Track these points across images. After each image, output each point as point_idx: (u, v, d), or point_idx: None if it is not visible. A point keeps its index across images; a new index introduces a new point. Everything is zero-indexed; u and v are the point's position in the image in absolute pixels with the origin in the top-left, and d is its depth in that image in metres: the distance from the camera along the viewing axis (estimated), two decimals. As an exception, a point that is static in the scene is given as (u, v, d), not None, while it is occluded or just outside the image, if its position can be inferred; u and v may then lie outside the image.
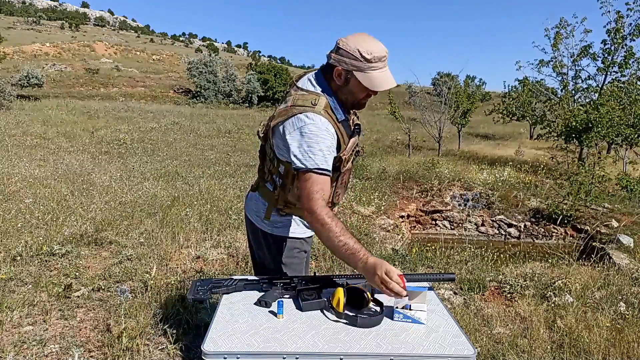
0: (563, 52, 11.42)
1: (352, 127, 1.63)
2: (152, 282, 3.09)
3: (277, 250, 1.76)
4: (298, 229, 1.75)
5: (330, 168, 1.48)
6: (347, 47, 1.47)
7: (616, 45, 10.51)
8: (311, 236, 1.84)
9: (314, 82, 1.56)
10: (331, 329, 1.33)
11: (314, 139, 1.44)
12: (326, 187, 1.47)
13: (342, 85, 1.53)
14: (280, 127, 1.52)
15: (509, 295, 3.62)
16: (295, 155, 1.45)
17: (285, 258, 1.76)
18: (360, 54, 1.45)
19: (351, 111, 1.64)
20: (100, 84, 34.88)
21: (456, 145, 15.62)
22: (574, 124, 9.71)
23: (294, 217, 1.74)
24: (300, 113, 1.47)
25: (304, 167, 1.44)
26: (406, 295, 1.33)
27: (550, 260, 4.74)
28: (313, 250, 4.22)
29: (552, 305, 3.39)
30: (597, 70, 10.98)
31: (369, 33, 1.53)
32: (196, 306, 2.77)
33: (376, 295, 1.50)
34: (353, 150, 1.65)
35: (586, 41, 11.18)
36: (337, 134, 1.52)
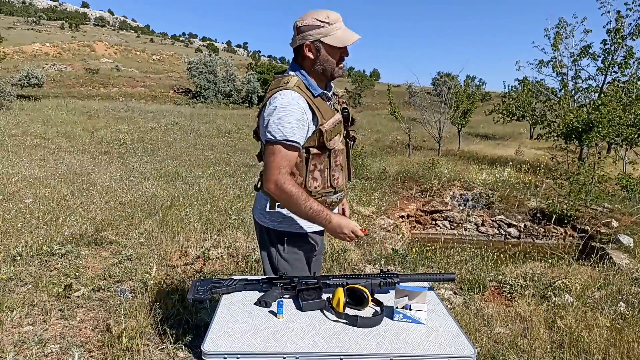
0: (563, 52, 11.42)
1: (340, 107, 1.74)
2: (152, 282, 3.09)
3: (278, 245, 1.76)
4: (300, 223, 1.73)
5: (299, 140, 1.55)
6: (306, 21, 1.58)
7: (616, 45, 10.51)
8: (318, 232, 1.81)
9: (289, 70, 1.68)
10: (331, 329, 1.33)
11: (283, 112, 1.52)
12: (292, 162, 1.57)
13: (315, 58, 1.60)
14: (262, 112, 1.62)
15: (509, 295, 3.62)
16: (266, 129, 1.54)
17: (286, 254, 1.76)
18: (321, 21, 1.56)
19: (332, 91, 1.72)
20: (100, 84, 34.86)
21: (456, 145, 15.62)
22: (575, 124, 9.71)
23: None
24: (275, 93, 1.57)
25: (273, 138, 1.52)
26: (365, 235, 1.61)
27: (550, 260, 4.74)
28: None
29: (552, 305, 3.39)
30: (597, 70, 10.98)
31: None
32: (196, 306, 2.77)
33: (376, 296, 1.50)
34: (336, 125, 1.66)
35: (586, 41, 11.18)
36: (312, 108, 1.58)
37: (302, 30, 1.58)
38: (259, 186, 1.79)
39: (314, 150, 1.62)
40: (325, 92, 1.65)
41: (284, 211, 1.71)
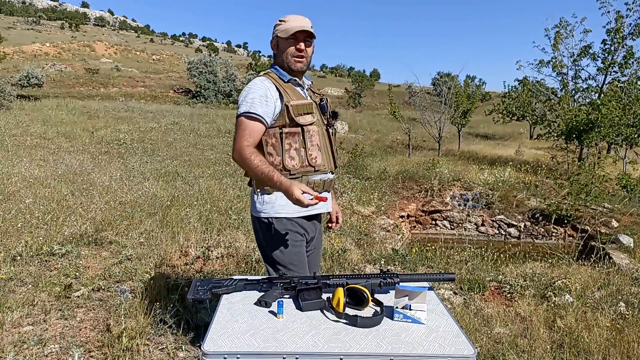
0: (563, 52, 11.43)
1: (317, 98, 1.88)
2: (152, 282, 3.09)
3: (267, 234, 1.80)
4: (287, 208, 1.76)
5: (260, 114, 1.69)
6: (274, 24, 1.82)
7: (616, 45, 10.51)
8: (305, 217, 1.83)
9: None
10: (331, 329, 1.33)
11: (247, 91, 1.73)
12: (255, 133, 1.70)
13: (276, 52, 1.82)
14: None
15: (509, 295, 3.62)
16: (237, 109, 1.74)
17: (274, 242, 1.78)
18: (280, 20, 1.79)
19: (307, 86, 1.88)
20: (100, 84, 34.82)
21: (456, 145, 15.62)
22: (575, 124, 9.71)
23: (280, 195, 1.74)
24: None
25: (238, 113, 1.71)
26: (315, 203, 1.58)
27: (550, 260, 4.74)
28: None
29: (552, 305, 3.39)
30: (597, 70, 10.99)
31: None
32: (196, 306, 2.77)
33: (376, 296, 1.50)
34: (305, 105, 1.76)
35: (586, 41, 11.18)
36: (279, 89, 1.75)
37: (272, 32, 1.82)
38: (248, 180, 1.87)
39: (286, 129, 1.74)
40: (296, 79, 1.81)
41: (267, 197, 1.77)
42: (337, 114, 1.94)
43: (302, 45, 1.76)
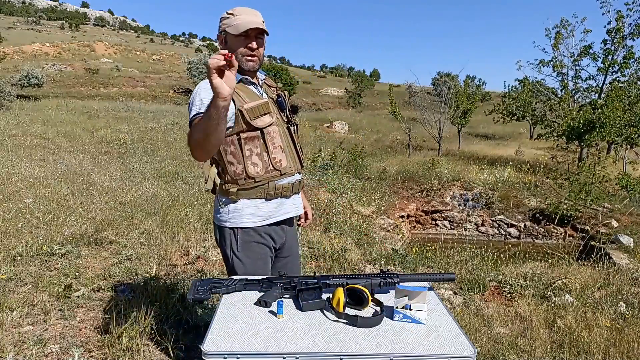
0: (563, 52, 11.43)
1: (274, 95, 1.79)
2: (152, 282, 3.09)
3: (231, 244, 1.74)
4: (252, 217, 1.71)
5: None
6: (221, 16, 1.69)
7: (616, 45, 10.51)
8: (275, 224, 1.78)
9: None
10: (331, 329, 1.33)
11: (195, 94, 1.60)
12: None
13: (224, 49, 1.65)
14: None
15: (509, 295, 3.62)
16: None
17: (239, 252, 1.74)
18: (228, 13, 1.66)
19: (262, 81, 1.79)
20: (100, 84, 34.80)
21: (456, 145, 15.63)
22: (577, 124, 9.71)
23: (247, 204, 1.71)
24: None
25: (189, 119, 1.56)
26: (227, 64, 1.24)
27: (550, 260, 4.74)
28: (312, 250, 4.21)
29: (552, 305, 3.39)
30: (597, 70, 10.99)
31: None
32: (196, 306, 2.77)
33: (376, 296, 1.50)
34: (261, 106, 1.65)
35: (586, 41, 11.19)
36: None
37: (219, 25, 1.69)
38: (210, 188, 1.77)
39: (244, 135, 1.63)
40: (248, 77, 1.70)
41: (232, 206, 1.71)
42: (297, 109, 1.87)
43: (254, 44, 1.64)
